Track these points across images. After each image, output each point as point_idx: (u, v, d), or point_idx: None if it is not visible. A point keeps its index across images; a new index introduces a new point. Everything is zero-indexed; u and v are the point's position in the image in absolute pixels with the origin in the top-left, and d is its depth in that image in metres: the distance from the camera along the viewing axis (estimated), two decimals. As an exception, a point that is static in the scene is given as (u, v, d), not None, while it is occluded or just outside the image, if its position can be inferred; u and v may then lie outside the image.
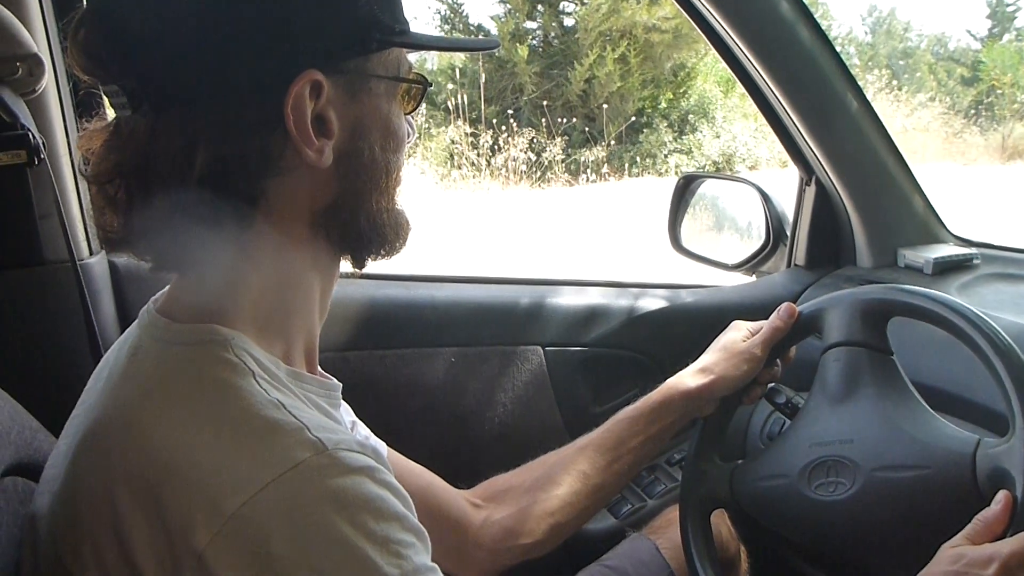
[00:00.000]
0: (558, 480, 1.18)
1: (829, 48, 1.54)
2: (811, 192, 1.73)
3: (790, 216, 1.83)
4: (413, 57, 0.86)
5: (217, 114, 0.72)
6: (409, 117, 0.86)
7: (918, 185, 1.69)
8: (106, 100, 0.78)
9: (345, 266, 0.87)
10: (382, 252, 0.86)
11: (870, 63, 14.59)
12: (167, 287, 0.83)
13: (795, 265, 1.81)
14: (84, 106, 1.32)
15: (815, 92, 1.56)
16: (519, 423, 1.65)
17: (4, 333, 1.27)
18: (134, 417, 0.71)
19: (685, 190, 1.97)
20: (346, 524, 0.64)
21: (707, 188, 2.00)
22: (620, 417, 1.22)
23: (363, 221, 0.82)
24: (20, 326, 1.28)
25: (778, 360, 1.25)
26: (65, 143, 1.28)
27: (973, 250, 1.66)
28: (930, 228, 1.71)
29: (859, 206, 1.68)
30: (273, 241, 0.78)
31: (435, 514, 1.13)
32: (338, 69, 0.76)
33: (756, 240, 1.90)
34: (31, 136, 1.02)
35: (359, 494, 0.66)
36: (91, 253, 1.36)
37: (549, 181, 10.59)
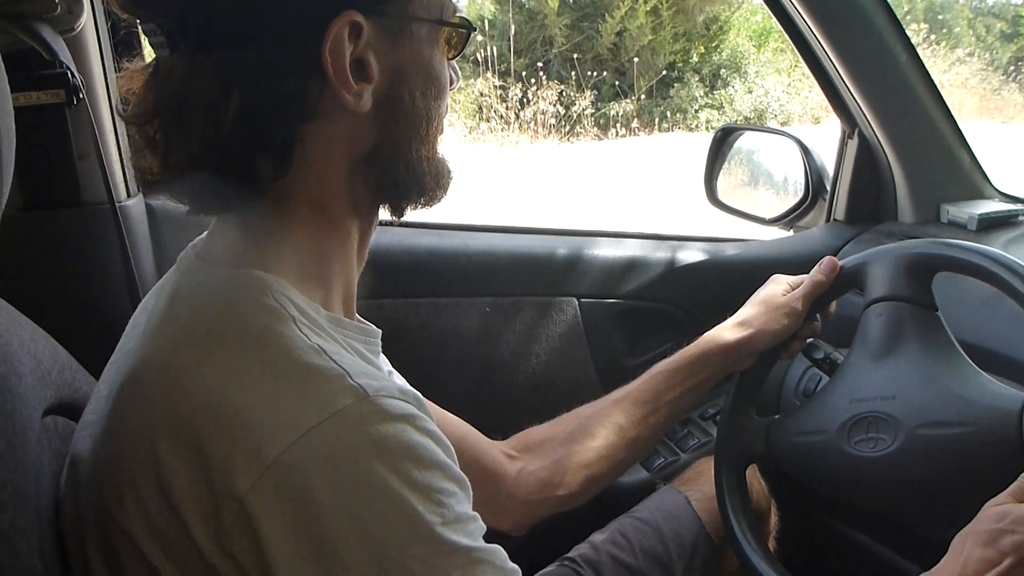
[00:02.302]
0: (594, 432, 1.17)
1: (879, -5, 1.49)
2: (853, 145, 1.69)
3: (829, 170, 1.80)
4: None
5: (253, 55, 0.70)
6: (453, 63, 0.84)
7: (964, 139, 1.65)
8: (145, 40, 0.77)
9: (384, 214, 0.86)
10: (421, 201, 0.84)
11: (907, 17, 14.24)
12: (205, 232, 0.82)
13: (834, 220, 1.78)
14: (123, 46, 1.30)
15: (862, 41, 1.52)
16: (553, 374, 1.65)
17: (43, 274, 1.27)
18: (174, 362, 0.70)
19: (723, 143, 1.94)
20: (388, 472, 0.64)
21: (745, 141, 1.97)
22: (657, 370, 1.21)
23: (402, 169, 0.80)
24: (59, 267, 1.28)
25: (818, 315, 1.23)
26: (103, 83, 1.27)
27: (1019, 206, 1.62)
28: (975, 183, 1.67)
29: (903, 160, 1.64)
30: (311, 186, 0.76)
31: (470, 464, 1.12)
32: (379, 11, 0.74)
33: (794, 194, 1.87)
34: (70, 75, 1.01)
35: (401, 442, 0.65)
36: (128, 195, 1.35)
37: (578, 135, 10.48)
